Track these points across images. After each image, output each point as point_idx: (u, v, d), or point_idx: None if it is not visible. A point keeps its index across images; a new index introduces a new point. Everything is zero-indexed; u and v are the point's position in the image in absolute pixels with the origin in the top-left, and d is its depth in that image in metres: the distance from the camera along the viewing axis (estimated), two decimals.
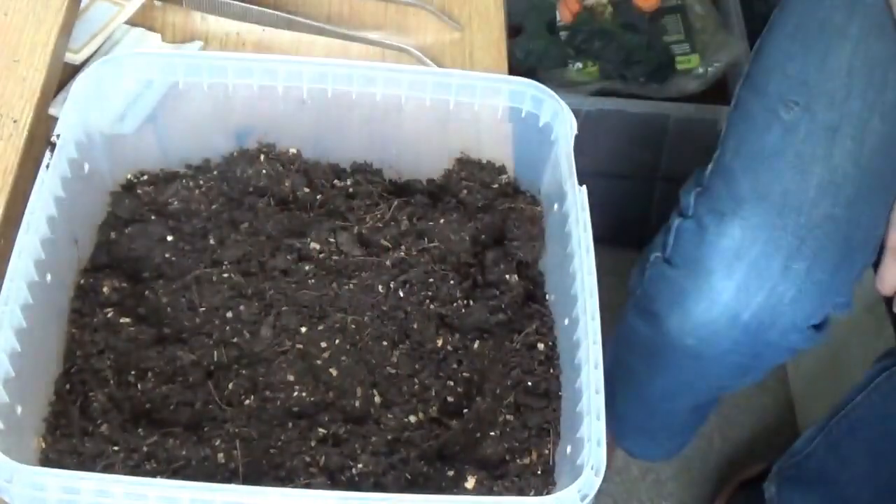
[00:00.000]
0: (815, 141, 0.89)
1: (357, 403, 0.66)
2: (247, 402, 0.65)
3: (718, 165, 0.93)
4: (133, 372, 0.66)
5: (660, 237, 0.98)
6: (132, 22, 0.90)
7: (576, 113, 0.73)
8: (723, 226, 0.89)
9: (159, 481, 0.57)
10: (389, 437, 0.64)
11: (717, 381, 1.02)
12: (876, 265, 1.15)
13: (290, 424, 0.64)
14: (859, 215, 0.89)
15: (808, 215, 0.87)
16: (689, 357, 0.95)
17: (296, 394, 0.66)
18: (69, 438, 0.61)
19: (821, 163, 0.88)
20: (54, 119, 0.71)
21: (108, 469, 0.60)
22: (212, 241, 0.72)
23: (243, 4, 0.89)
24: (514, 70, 0.89)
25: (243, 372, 0.66)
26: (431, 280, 0.71)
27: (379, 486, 0.62)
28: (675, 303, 0.92)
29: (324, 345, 0.68)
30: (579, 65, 1.44)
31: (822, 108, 0.89)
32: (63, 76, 0.81)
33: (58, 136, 0.66)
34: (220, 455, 0.62)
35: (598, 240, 0.66)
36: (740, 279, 0.88)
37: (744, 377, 1.02)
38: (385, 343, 0.69)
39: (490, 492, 0.62)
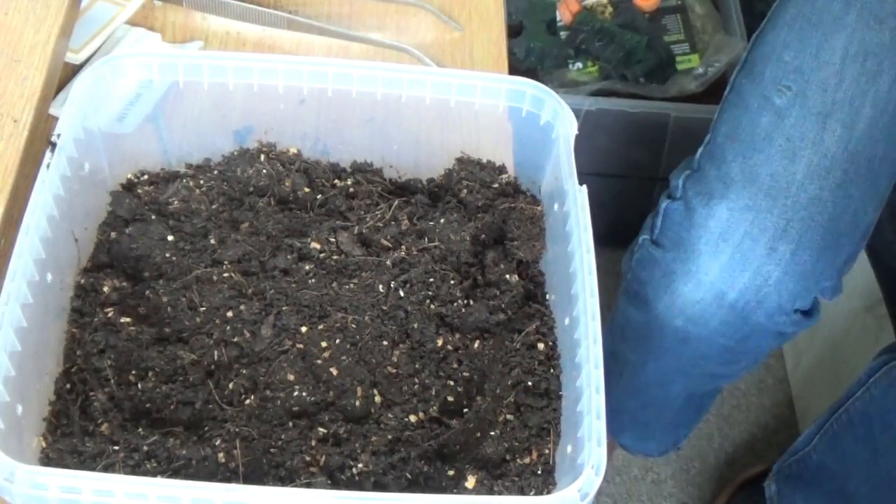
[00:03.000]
0: (805, 126, 0.90)
1: (357, 403, 0.66)
2: (247, 401, 0.65)
3: (709, 148, 0.94)
4: (133, 371, 0.66)
5: (649, 220, 0.99)
6: (132, 22, 0.90)
7: (576, 113, 0.73)
8: (710, 207, 0.90)
9: (160, 481, 0.57)
10: (389, 437, 0.64)
11: (708, 367, 1.02)
12: (876, 264, 1.15)
13: (291, 424, 0.64)
14: (847, 199, 0.89)
15: (795, 198, 0.88)
16: (678, 340, 0.96)
17: (296, 393, 0.66)
18: (69, 438, 0.61)
19: (810, 147, 0.89)
20: (54, 119, 0.71)
21: (108, 468, 0.60)
22: (212, 241, 0.72)
23: (243, 4, 0.89)
24: (514, 70, 0.89)
25: (244, 371, 0.66)
26: (432, 280, 0.71)
27: (379, 486, 0.62)
28: (663, 284, 0.93)
29: (324, 344, 0.68)
30: (579, 65, 1.44)
31: (814, 94, 0.90)
32: (63, 76, 0.81)
33: (58, 135, 0.66)
34: (221, 455, 0.62)
35: (598, 240, 0.66)
36: (725, 260, 0.89)
37: (734, 363, 1.02)
38: (385, 343, 0.69)
39: (490, 491, 0.62)
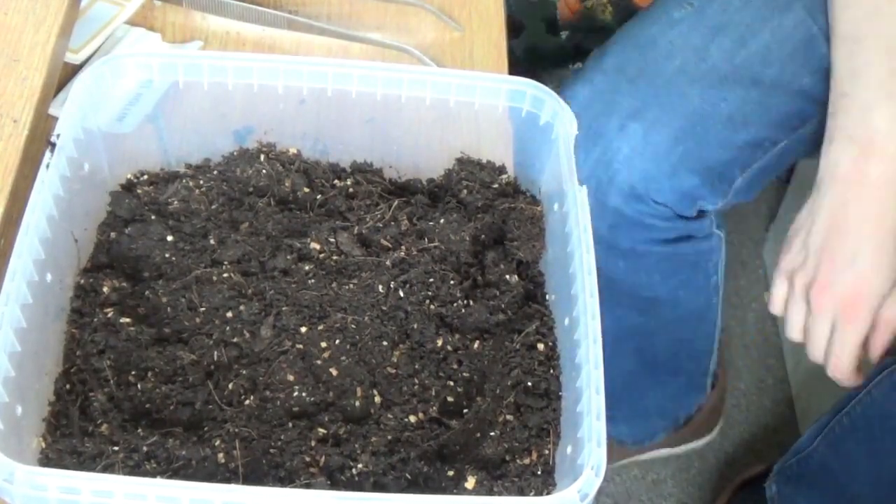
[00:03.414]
0: (693, 34, 0.91)
1: (357, 403, 0.66)
2: (247, 401, 0.65)
3: (599, 48, 0.97)
4: (133, 372, 0.66)
5: None
6: (132, 22, 0.90)
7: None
8: (573, 90, 0.92)
9: (159, 481, 0.57)
10: (389, 437, 0.64)
11: (603, 273, 1.02)
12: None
13: (290, 424, 0.64)
14: (719, 101, 0.90)
15: (659, 87, 0.90)
16: None
17: (296, 394, 0.66)
18: (69, 438, 0.61)
19: (692, 50, 0.91)
20: (54, 119, 0.71)
21: (108, 469, 0.60)
22: (212, 241, 0.72)
23: (243, 4, 0.89)
24: (514, 70, 0.89)
25: (243, 372, 0.66)
26: (431, 280, 0.71)
27: (379, 486, 0.62)
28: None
29: (324, 345, 0.68)
30: (579, 64, 1.44)
31: (713, 11, 0.92)
32: (63, 76, 0.81)
33: (58, 135, 0.66)
34: (220, 455, 0.62)
35: None
36: (579, 135, 0.90)
37: (634, 277, 1.01)
38: (385, 343, 0.69)
39: (490, 492, 0.62)
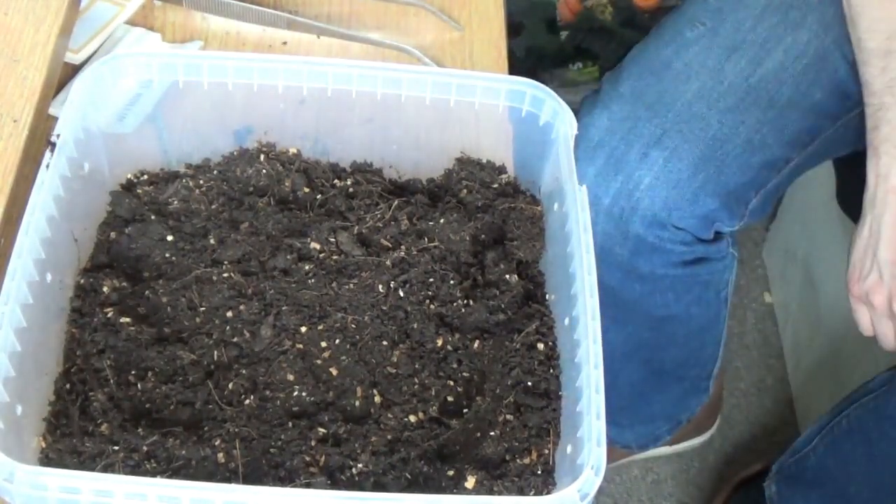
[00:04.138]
0: (708, 55, 0.91)
1: (357, 403, 0.66)
2: (247, 401, 0.65)
3: (613, 71, 0.96)
4: (133, 372, 0.66)
5: None
6: (132, 22, 0.90)
7: (575, 113, 0.73)
8: (592, 116, 0.92)
9: (159, 481, 0.57)
10: (389, 437, 0.64)
11: (626, 300, 1.01)
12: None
13: (290, 424, 0.64)
14: (737, 125, 0.90)
15: (678, 113, 0.89)
16: None
17: (296, 393, 0.66)
18: (69, 438, 0.61)
19: (708, 73, 0.90)
20: (54, 119, 0.71)
21: (108, 469, 0.60)
22: (212, 241, 0.72)
23: (243, 4, 0.89)
24: (514, 70, 0.89)
25: (243, 372, 0.66)
26: (431, 280, 0.71)
27: (379, 486, 0.62)
28: None
29: (324, 344, 0.68)
30: (579, 64, 1.44)
31: (726, 30, 0.92)
32: (63, 76, 0.81)
33: (58, 135, 0.66)
34: (220, 455, 0.62)
35: None
36: (600, 165, 0.91)
37: (650, 299, 1.01)
38: (385, 343, 0.69)
39: (490, 491, 0.62)
